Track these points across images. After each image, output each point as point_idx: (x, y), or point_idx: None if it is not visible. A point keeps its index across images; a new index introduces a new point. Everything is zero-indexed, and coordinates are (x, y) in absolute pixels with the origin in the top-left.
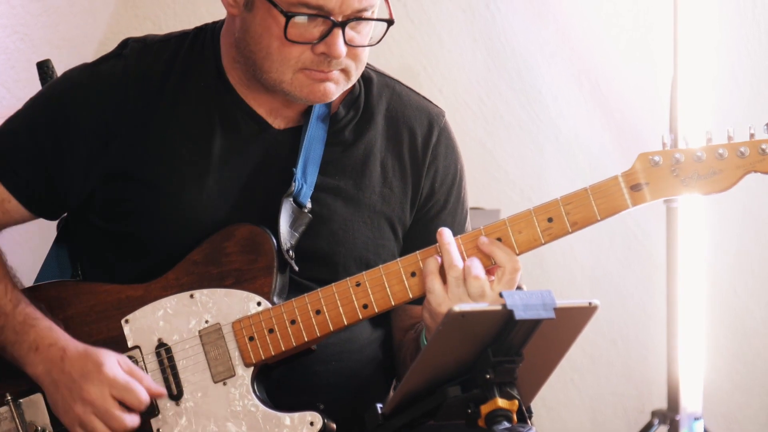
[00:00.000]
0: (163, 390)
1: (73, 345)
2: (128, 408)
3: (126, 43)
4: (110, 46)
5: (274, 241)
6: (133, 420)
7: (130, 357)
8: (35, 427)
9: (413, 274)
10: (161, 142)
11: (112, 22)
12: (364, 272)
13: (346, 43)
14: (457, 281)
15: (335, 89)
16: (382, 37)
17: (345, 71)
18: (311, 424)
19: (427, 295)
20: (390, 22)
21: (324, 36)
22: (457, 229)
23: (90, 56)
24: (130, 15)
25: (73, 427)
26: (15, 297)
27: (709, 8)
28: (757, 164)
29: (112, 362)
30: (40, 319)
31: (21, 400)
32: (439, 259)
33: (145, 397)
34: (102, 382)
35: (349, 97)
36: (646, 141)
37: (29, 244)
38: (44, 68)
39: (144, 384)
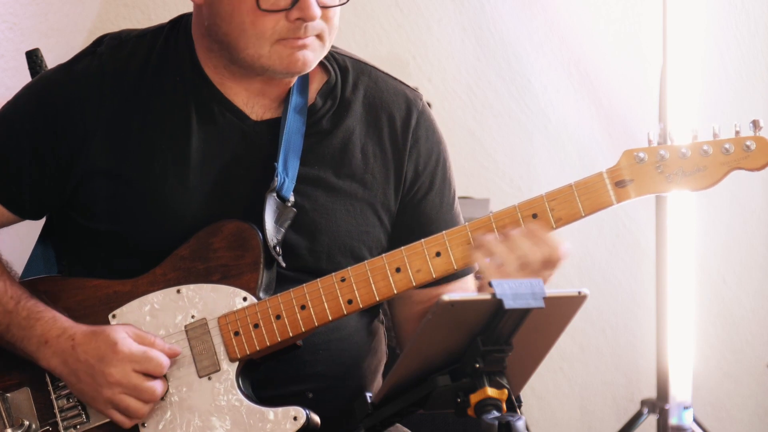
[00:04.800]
0: (177, 347)
1: (80, 330)
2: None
3: (101, 40)
4: (99, 35)
5: (261, 236)
6: (160, 385)
7: None
8: (21, 421)
9: (398, 270)
10: (140, 139)
11: (101, 11)
12: (349, 268)
13: (318, 5)
14: (520, 266)
15: (313, 57)
16: None
17: (320, 36)
18: (294, 418)
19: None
20: None
21: (296, 0)
22: (446, 209)
23: (79, 45)
24: (118, 4)
25: (106, 409)
26: (15, 293)
27: None
28: (741, 161)
29: (123, 337)
30: (43, 311)
31: (8, 395)
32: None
33: (165, 361)
34: (121, 360)
35: (326, 87)
36: (635, 130)
37: (14, 239)
38: (33, 57)
39: (158, 348)
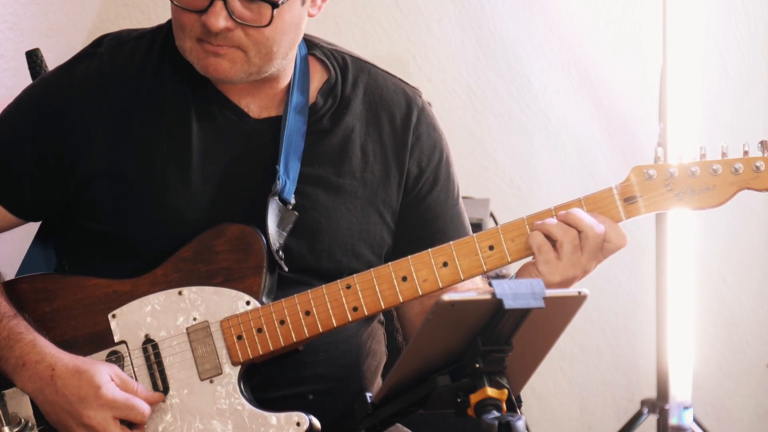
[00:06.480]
0: (160, 394)
1: (61, 362)
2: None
3: (101, 41)
4: (99, 35)
5: (264, 240)
6: None
7: (116, 352)
8: (18, 419)
9: (404, 279)
10: (141, 139)
11: (101, 11)
12: (354, 275)
13: (234, 18)
14: (574, 248)
15: (229, 67)
16: (271, 19)
17: (244, 50)
18: (297, 424)
19: (541, 267)
20: (274, 4)
21: (207, 6)
22: (451, 204)
23: (79, 45)
24: (118, 4)
25: None
26: None
27: None
28: (750, 181)
29: (106, 380)
30: (23, 333)
31: (4, 392)
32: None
33: (146, 410)
34: (102, 406)
35: (326, 86)
36: (635, 130)
37: (13, 238)
38: (33, 57)
39: (140, 395)
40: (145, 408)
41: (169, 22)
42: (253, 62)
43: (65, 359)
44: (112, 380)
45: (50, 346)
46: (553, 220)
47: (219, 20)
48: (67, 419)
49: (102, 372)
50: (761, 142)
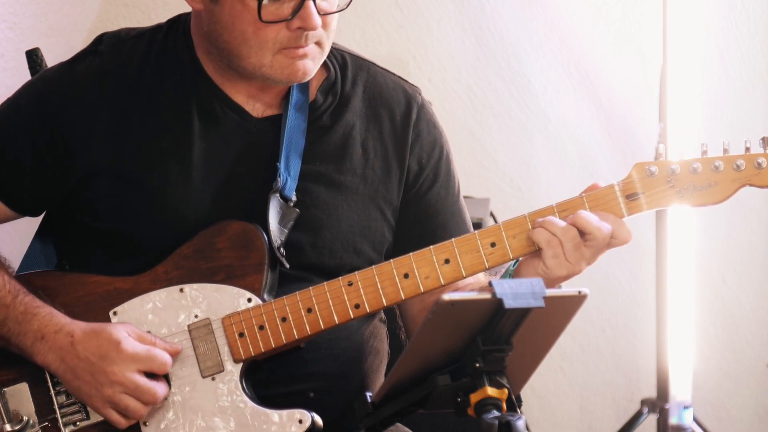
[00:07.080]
0: (178, 345)
1: (78, 328)
2: (153, 375)
3: (101, 40)
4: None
5: (266, 237)
6: (162, 388)
7: None
8: (20, 416)
9: (406, 276)
10: (141, 137)
11: (101, 11)
12: (356, 272)
13: (318, 13)
14: (575, 245)
15: (313, 65)
16: (351, 0)
17: (319, 44)
18: (300, 421)
19: (549, 261)
20: None
21: (297, 10)
22: (452, 200)
23: (79, 45)
24: (118, 4)
25: (104, 408)
26: (13, 287)
27: None
28: (752, 177)
29: (125, 336)
30: (40, 306)
31: (5, 389)
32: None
33: (168, 360)
34: (124, 360)
35: (326, 84)
36: (635, 130)
37: (12, 235)
38: (33, 57)
39: (159, 346)
40: (167, 358)
41: (169, 21)
42: (324, 52)
43: (81, 325)
44: (130, 335)
45: (66, 317)
46: (554, 218)
47: (317, 18)
48: (91, 382)
49: (119, 329)
50: (763, 139)
